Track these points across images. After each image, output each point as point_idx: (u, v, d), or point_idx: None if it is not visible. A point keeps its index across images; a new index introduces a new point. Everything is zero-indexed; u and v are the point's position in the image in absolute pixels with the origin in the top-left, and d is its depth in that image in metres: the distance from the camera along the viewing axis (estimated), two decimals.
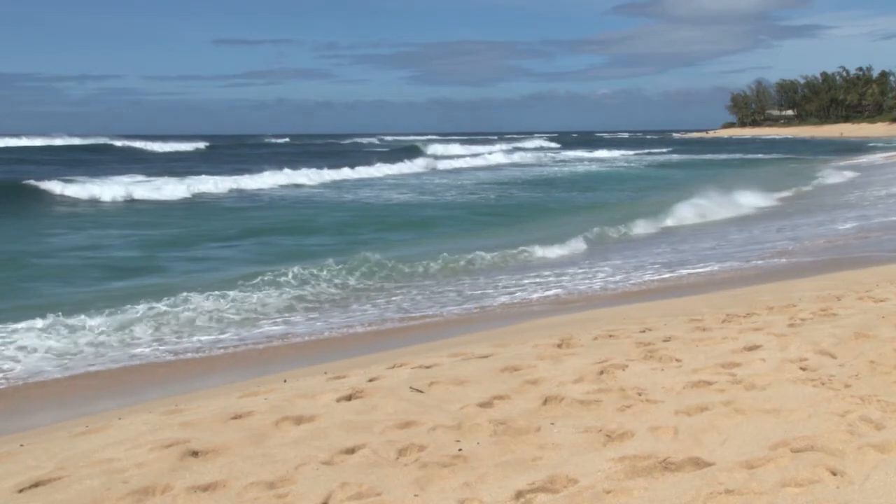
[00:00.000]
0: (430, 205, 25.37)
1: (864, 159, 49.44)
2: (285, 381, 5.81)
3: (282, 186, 32.84)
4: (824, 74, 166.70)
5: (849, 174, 35.19)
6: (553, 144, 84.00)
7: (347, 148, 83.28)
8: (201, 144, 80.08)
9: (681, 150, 77.61)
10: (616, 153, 67.51)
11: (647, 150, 74.96)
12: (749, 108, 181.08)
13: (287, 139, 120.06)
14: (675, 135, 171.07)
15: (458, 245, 15.28)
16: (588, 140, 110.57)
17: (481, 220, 21.58)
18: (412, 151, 57.44)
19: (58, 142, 78.96)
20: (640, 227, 17.90)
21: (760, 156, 58.89)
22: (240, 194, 29.61)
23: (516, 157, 57.81)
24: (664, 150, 77.49)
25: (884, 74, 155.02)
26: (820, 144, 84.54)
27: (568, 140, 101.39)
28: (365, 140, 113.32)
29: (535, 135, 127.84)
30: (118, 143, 74.89)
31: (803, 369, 5.06)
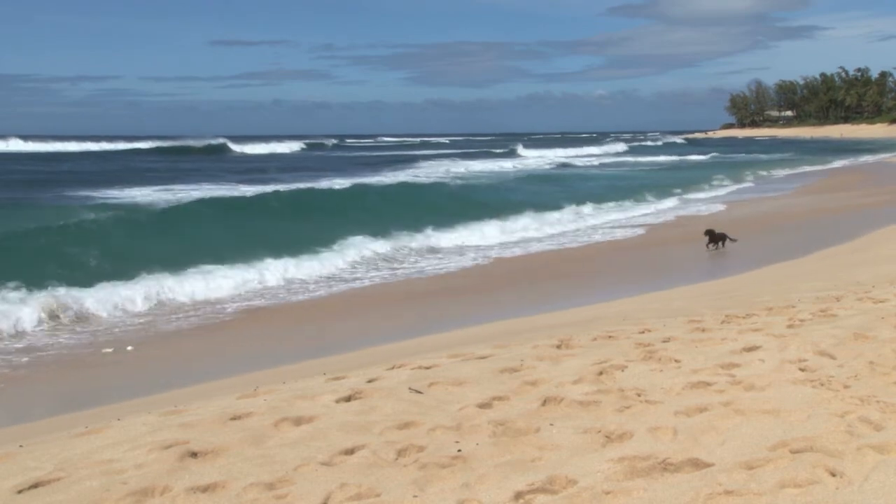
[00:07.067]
0: None
1: None
2: (284, 382, 5.81)
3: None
4: (823, 75, 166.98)
5: None
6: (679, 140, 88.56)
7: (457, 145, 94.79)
8: (298, 145, 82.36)
9: (738, 150, 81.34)
10: (711, 154, 70.27)
11: (723, 150, 78.91)
12: (748, 108, 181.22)
13: (335, 140, 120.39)
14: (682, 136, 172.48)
15: None
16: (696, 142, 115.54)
17: None
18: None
19: (167, 143, 78.73)
20: None
21: (816, 156, 59.74)
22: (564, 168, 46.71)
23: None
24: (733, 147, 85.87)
25: (883, 75, 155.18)
26: (839, 144, 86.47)
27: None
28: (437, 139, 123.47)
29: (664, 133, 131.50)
30: (235, 147, 76.43)
31: (802, 370, 5.06)
